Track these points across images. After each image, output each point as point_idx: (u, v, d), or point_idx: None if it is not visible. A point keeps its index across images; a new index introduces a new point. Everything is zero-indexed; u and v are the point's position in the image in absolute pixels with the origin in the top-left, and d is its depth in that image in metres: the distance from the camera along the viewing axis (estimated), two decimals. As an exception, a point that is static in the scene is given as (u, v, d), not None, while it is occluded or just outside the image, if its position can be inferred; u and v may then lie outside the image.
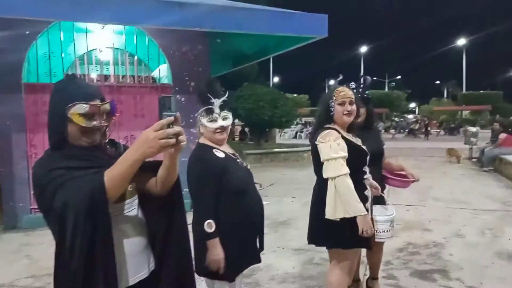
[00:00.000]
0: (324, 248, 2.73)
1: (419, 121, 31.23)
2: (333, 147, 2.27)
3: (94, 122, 1.34)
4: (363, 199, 2.32)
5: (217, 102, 2.08)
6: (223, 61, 9.29)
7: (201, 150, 2.14)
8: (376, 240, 2.61)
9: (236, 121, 19.20)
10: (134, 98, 5.97)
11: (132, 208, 1.45)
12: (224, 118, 2.13)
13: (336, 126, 2.37)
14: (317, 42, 6.20)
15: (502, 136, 10.57)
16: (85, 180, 1.22)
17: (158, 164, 1.41)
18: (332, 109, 2.36)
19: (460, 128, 27.74)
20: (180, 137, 1.18)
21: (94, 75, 6.48)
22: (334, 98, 2.36)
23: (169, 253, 1.48)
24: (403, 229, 5.09)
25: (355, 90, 2.75)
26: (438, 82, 60.15)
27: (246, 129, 19.37)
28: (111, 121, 1.41)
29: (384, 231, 2.56)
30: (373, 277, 3.23)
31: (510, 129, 12.68)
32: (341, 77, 2.77)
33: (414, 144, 20.91)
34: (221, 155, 2.13)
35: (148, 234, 1.50)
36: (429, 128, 26.78)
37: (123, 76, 6.40)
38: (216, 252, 2.01)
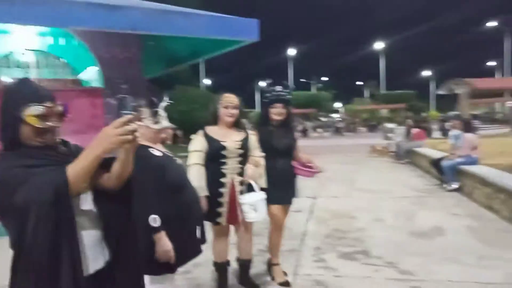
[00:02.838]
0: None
1: (343, 120, 33.45)
2: (193, 143, 2.94)
3: (49, 123, 1.43)
4: (218, 185, 2.89)
5: (161, 104, 2.23)
6: (156, 63, 9.18)
7: (140, 149, 2.23)
8: (246, 220, 2.98)
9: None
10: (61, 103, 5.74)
11: (86, 202, 1.54)
12: (164, 119, 2.30)
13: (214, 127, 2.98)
14: (248, 45, 6.46)
15: (414, 131, 11.81)
16: (46, 176, 1.29)
17: (109, 160, 1.52)
18: (219, 110, 2.94)
19: (379, 125, 30.11)
20: (136, 134, 1.32)
21: (7, 79, 6.05)
22: (221, 102, 2.94)
23: (124, 245, 1.59)
24: (331, 218, 5.56)
25: (281, 92, 3.16)
26: (360, 83, 64.02)
27: (178, 132, 19.18)
28: (63, 121, 1.50)
29: (247, 212, 2.92)
30: (243, 258, 3.28)
31: (420, 125, 14.10)
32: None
33: (340, 141, 22.27)
34: (158, 153, 2.27)
35: (102, 227, 1.59)
36: (356, 125, 32.86)
37: (48, 80, 6.12)
38: (165, 243, 2.13)
